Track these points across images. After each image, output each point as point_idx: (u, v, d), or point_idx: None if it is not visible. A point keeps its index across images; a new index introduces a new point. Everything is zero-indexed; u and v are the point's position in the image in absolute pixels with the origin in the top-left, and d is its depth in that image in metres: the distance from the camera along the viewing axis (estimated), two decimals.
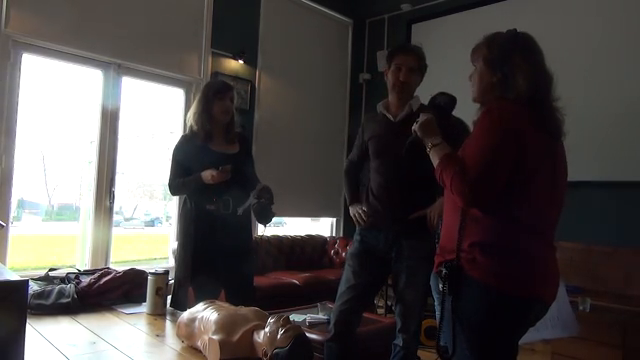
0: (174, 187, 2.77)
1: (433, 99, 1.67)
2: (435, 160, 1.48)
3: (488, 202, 1.37)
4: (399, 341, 2.17)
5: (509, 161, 1.34)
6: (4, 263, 3.54)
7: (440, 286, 1.41)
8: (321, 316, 3.05)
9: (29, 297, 3.39)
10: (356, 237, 2.31)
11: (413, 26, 5.45)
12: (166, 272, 3.78)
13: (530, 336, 1.55)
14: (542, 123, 1.40)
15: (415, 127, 1.58)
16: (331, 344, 2.18)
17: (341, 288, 2.24)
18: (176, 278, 2.76)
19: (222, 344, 2.63)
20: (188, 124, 2.78)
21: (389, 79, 2.28)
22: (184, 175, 2.70)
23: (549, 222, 1.45)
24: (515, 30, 1.50)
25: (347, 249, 5.07)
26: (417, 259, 2.16)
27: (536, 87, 1.41)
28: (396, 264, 2.19)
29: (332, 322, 2.23)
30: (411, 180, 2.15)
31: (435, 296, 3.04)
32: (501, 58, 1.45)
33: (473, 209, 1.39)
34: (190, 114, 2.75)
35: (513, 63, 1.43)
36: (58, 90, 4.67)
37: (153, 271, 3.73)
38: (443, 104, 1.66)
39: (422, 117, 1.57)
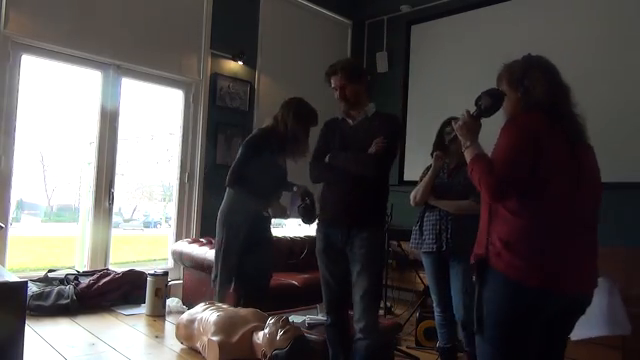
0: (241, 178, 2.87)
1: (478, 99, 1.74)
2: (468, 158, 1.67)
3: (511, 196, 1.54)
4: (359, 333, 2.27)
5: (529, 160, 1.51)
6: (3, 264, 3.54)
7: (473, 276, 1.61)
8: (320, 317, 3.04)
9: (28, 298, 3.40)
10: (317, 235, 2.49)
11: (412, 27, 5.45)
12: (165, 273, 3.80)
13: (582, 333, 1.70)
14: (562, 128, 1.57)
15: (454, 127, 1.74)
16: (330, 329, 2.47)
17: (322, 283, 2.47)
18: (223, 278, 2.98)
19: (221, 345, 2.63)
20: (271, 122, 3.02)
21: None
22: (250, 171, 2.86)
23: (574, 220, 1.56)
24: (529, 54, 1.72)
25: None
26: (368, 250, 2.29)
27: (554, 96, 1.60)
28: (350, 256, 2.34)
29: (325, 312, 2.49)
30: (364, 178, 2.31)
31: (434, 294, 3.03)
32: (521, 76, 1.66)
33: (501, 209, 1.56)
34: (287, 123, 2.94)
35: (531, 77, 1.63)
36: (57, 91, 4.66)
37: (152, 272, 3.76)
38: (483, 107, 1.71)
39: (460, 121, 1.73)
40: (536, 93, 1.61)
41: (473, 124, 1.70)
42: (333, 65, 2.46)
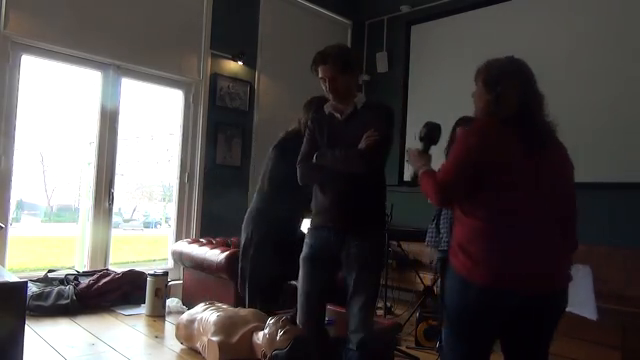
0: (273, 181, 2.93)
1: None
2: (419, 177, 1.79)
3: (453, 200, 1.67)
4: (354, 344, 2.13)
5: (470, 167, 1.59)
6: (3, 264, 3.54)
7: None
8: None
9: (28, 298, 3.40)
10: (306, 240, 2.30)
11: (412, 27, 5.45)
12: (165, 273, 3.80)
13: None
14: (526, 137, 1.60)
15: (407, 159, 1.92)
16: (307, 340, 2.32)
17: (301, 293, 2.28)
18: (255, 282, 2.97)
19: (221, 345, 2.64)
20: (296, 125, 2.96)
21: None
22: (280, 174, 2.87)
23: (530, 220, 1.58)
24: (512, 57, 1.74)
25: None
26: (366, 256, 2.16)
27: (525, 106, 1.63)
28: (346, 262, 2.18)
29: (301, 322, 2.31)
30: (358, 177, 2.16)
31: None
32: (496, 79, 1.68)
33: (457, 211, 1.66)
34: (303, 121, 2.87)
35: (506, 84, 1.65)
36: (57, 91, 4.67)
37: (152, 272, 3.76)
38: (423, 135, 1.91)
39: (410, 153, 1.91)
40: (507, 102, 1.63)
41: (421, 156, 1.86)
42: (322, 53, 2.21)
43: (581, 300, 1.91)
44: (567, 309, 1.83)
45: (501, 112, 1.63)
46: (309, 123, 2.37)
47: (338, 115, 2.27)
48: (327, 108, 2.32)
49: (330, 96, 2.24)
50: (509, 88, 1.64)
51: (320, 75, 2.22)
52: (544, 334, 1.68)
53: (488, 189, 1.57)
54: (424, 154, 1.87)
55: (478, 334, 1.63)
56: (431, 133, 1.91)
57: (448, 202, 1.70)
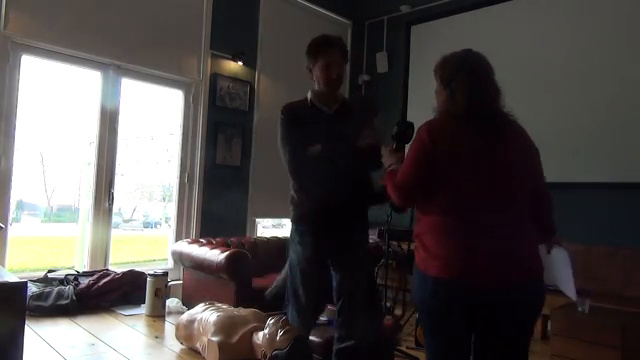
0: None
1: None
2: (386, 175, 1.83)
3: (412, 200, 1.69)
4: (349, 342, 2.11)
5: (424, 166, 1.60)
6: (3, 265, 3.54)
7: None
8: (320, 317, 3.05)
9: (28, 299, 3.40)
10: (302, 239, 2.20)
11: (412, 27, 5.46)
12: (165, 273, 3.80)
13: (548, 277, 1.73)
14: (480, 132, 1.60)
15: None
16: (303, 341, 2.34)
17: (296, 296, 2.22)
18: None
19: (221, 345, 2.64)
20: None
21: (318, 75, 2.22)
22: None
23: (488, 215, 1.57)
24: (469, 50, 1.74)
25: None
26: (364, 255, 2.18)
27: (477, 102, 1.61)
28: (346, 262, 2.16)
29: (298, 324, 2.30)
30: (357, 176, 2.13)
31: None
32: (450, 76, 1.69)
33: (417, 208, 1.70)
34: None
35: (458, 81, 1.65)
36: (57, 91, 4.67)
37: (152, 272, 3.76)
38: (395, 133, 1.91)
39: (383, 151, 1.92)
40: (459, 99, 1.63)
41: (393, 154, 1.87)
42: (329, 37, 2.17)
43: (562, 279, 1.90)
44: (552, 284, 1.82)
45: (456, 108, 1.63)
46: (286, 112, 2.23)
47: (326, 108, 2.21)
48: (312, 99, 2.24)
49: (330, 84, 2.17)
50: (459, 86, 1.64)
51: (325, 59, 2.15)
52: (517, 332, 1.62)
53: (443, 187, 1.58)
54: (396, 152, 1.88)
55: (446, 331, 1.59)
56: (404, 132, 1.91)
57: (408, 202, 1.71)
